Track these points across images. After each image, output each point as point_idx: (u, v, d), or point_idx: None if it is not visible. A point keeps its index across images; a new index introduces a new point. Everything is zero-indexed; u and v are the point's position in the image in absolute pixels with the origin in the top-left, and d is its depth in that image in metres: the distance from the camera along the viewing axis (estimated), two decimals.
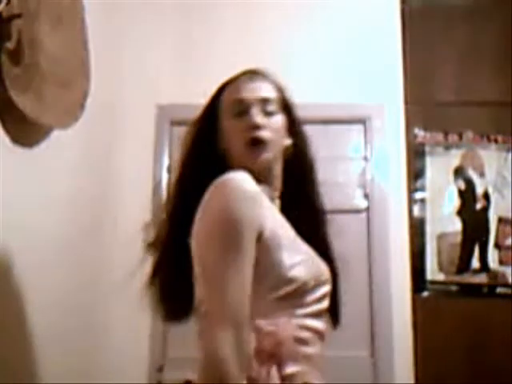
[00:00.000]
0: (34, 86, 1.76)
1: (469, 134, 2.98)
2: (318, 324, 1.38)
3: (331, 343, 1.43)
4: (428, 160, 2.97)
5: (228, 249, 1.27)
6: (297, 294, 1.33)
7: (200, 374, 1.23)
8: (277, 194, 1.51)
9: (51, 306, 2.03)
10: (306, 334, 1.34)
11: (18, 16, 1.65)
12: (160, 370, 2.77)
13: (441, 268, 2.87)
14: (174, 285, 1.48)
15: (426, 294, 2.85)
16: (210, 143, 1.50)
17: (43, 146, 1.96)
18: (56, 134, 2.01)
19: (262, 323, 1.30)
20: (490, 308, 2.80)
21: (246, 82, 1.50)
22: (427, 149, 2.98)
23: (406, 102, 3.01)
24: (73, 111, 2.04)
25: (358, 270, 2.72)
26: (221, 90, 1.54)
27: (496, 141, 2.97)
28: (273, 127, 1.46)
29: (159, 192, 2.85)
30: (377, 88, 3.02)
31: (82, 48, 2.13)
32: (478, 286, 2.86)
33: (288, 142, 1.53)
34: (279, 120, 1.50)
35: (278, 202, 1.52)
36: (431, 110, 3.01)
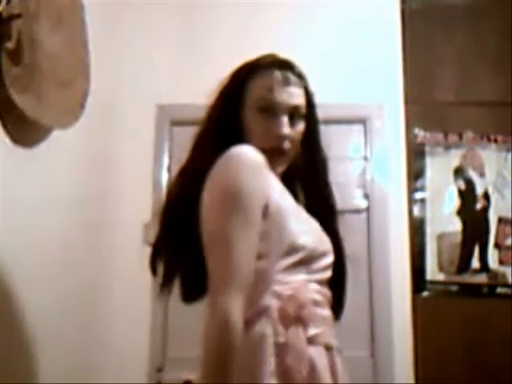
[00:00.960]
0: (34, 85, 1.76)
1: (469, 134, 2.98)
2: (326, 290, 1.44)
3: None
4: (428, 160, 2.97)
5: (235, 216, 1.30)
6: (307, 260, 1.38)
7: (208, 342, 1.23)
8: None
9: (51, 306, 2.03)
10: (320, 297, 1.40)
11: (18, 16, 1.65)
12: (160, 370, 2.77)
13: (441, 268, 2.87)
14: (182, 263, 1.48)
15: (425, 293, 2.85)
16: (229, 121, 1.50)
17: (43, 145, 1.96)
18: (56, 134, 2.01)
19: (281, 289, 1.34)
20: (490, 308, 2.79)
21: (280, 83, 1.49)
22: (427, 149, 2.97)
23: (406, 102, 3.01)
24: (73, 111, 2.05)
25: (358, 270, 2.72)
26: (250, 73, 1.52)
27: (496, 141, 2.97)
28: (294, 137, 1.50)
29: (159, 192, 2.84)
30: (377, 88, 3.02)
31: (82, 48, 2.13)
32: (478, 286, 2.86)
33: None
34: (301, 129, 1.52)
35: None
36: (431, 110, 3.01)
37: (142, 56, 3.04)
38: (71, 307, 2.24)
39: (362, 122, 3.03)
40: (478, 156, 2.97)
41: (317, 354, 1.33)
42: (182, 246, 1.44)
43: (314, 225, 1.48)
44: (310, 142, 1.57)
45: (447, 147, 2.98)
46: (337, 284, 1.52)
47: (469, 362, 2.73)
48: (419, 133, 2.98)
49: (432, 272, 2.86)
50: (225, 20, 3.09)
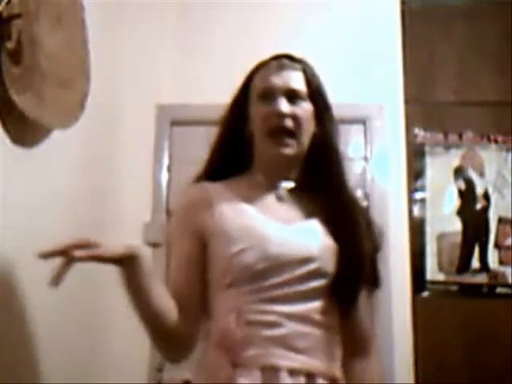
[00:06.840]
0: (34, 86, 1.76)
1: (469, 134, 2.98)
2: (287, 308, 1.35)
3: None
4: (428, 160, 2.97)
5: (170, 246, 1.54)
6: (248, 280, 1.35)
7: None
8: (289, 184, 1.52)
9: (51, 306, 2.02)
10: (269, 318, 1.33)
11: (18, 16, 1.65)
12: (160, 370, 2.77)
13: (441, 268, 2.87)
14: None
15: (426, 294, 2.85)
16: (240, 126, 1.52)
17: (43, 146, 1.96)
18: (56, 134, 2.01)
19: (217, 311, 1.37)
20: (490, 308, 2.80)
21: (275, 70, 1.50)
22: (427, 149, 2.98)
23: (406, 102, 3.01)
24: (73, 111, 2.04)
25: None
26: (253, 72, 1.56)
27: (496, 141, 2.97)
28: (299, 116, 1.46)
29: (159, 192, 2.84)
30: (377, 88, 3.02)
31: (81, 48, 2.13)
32: (478, 286, 2.86)
33: (314, 129, 1.51)
34: (307, 109, 1.48)
35: (284, 192, 1.51)
36: (431, 110, 3.01)
37: (142, 56, 3.04)
38: (71, 307, 2.23)
39: (362, 122, 3.03)
40: (478, 156, 2.97)
41: (244, 376, 1.29)
42: None
43: (274, 238, 1.40)
44: (321, 126, 1.52)
45: (447, 147, 2.98)
46: (345, 281, 1.49)
47: (469, 362, 2.73)
48: (419, 133, 2.99)
49: (432, 272, 2.86)
50: (225, 20, 3.09)
